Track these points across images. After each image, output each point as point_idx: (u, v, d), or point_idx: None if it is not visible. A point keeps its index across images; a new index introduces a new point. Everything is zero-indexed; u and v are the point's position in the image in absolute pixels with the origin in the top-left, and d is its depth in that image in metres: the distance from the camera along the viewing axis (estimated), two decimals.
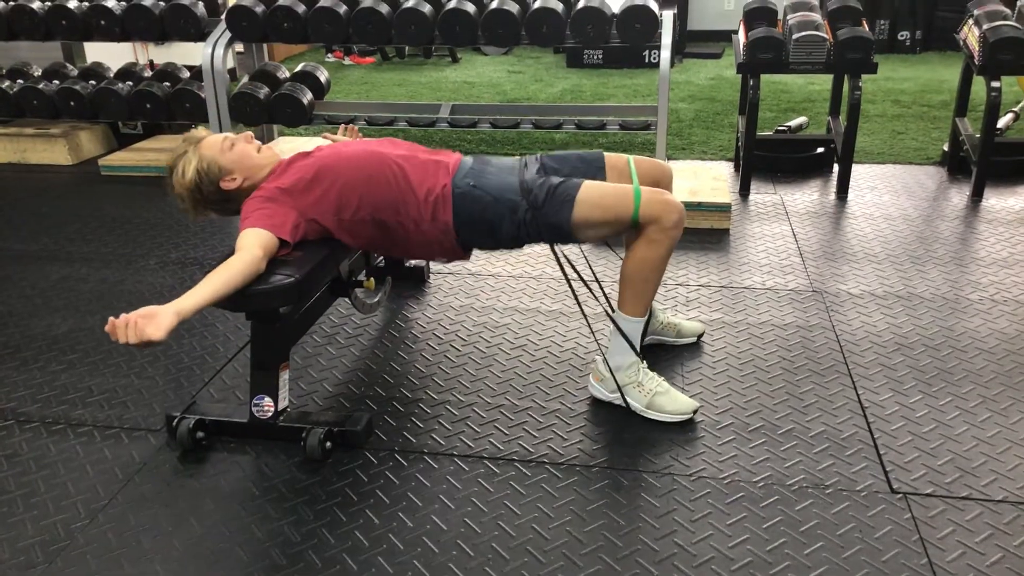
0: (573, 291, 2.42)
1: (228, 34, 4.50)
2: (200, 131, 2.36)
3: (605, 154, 2.44)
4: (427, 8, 4.29)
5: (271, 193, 2.24)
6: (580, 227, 2.21)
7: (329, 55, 8.37)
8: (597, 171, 2.39)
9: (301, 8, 4.38)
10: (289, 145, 4.90)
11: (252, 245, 2.08)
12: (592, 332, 2.51)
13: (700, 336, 2.70)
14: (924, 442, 2.17)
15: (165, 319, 1.83)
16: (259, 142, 2.38)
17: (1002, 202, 3.91)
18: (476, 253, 3.32)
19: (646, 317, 2.29)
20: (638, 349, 2.28)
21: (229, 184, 2.30)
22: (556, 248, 2.39)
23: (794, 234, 3.60)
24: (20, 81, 5.05)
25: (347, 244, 2.34)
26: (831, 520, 1.90)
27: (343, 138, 2.74)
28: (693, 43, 8.14)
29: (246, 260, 2.04)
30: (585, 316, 2.45)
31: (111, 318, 1.83)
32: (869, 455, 2.12)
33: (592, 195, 2.20)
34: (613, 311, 2.29)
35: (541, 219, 2.22)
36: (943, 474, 2.04)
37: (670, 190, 2.44)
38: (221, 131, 4.53)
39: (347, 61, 8.17)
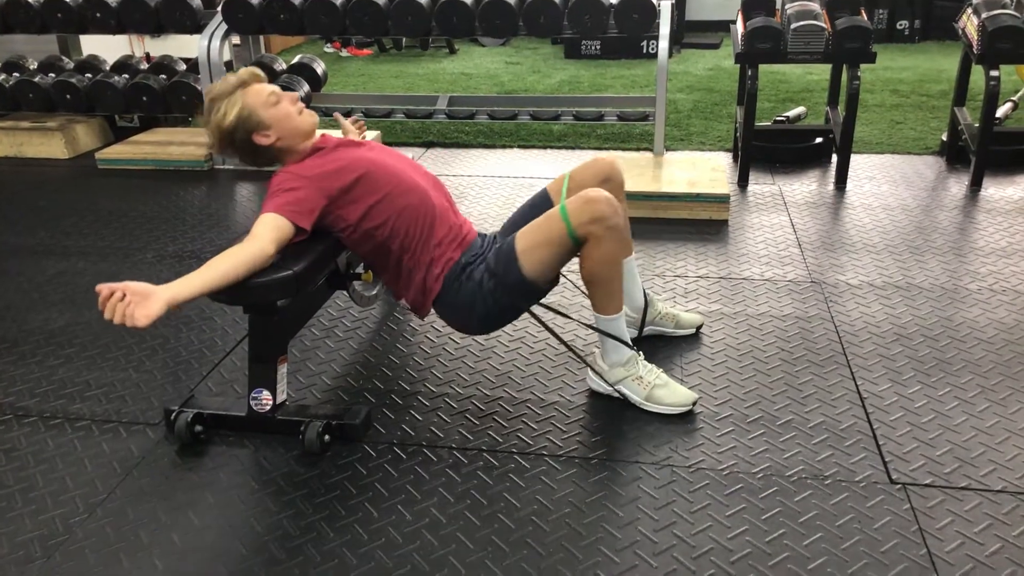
0: (561, 339, 2.41)
1: (224, 26, 4.49)
2: (247, 74, 2.27)
3: (548, 186, 2.45)
4: None
5: (311, 172, 2.20)
6: (536, 272, 2.17)
7: (328, 45, 8.34)
8: (545, 207, 2.36)
9: None
10: None
11: (265, 236, 2.05)
12: (590, 326, 2.50)
13: (699, 328, 2.70)
14: (923, 432, 2.17)
15: (155, 306, 1.82)
16: (303, 104, 2.32)
17: (1001, 192, 3.91)
18: None
19: (623, 311, 2.27)
20: (629, 342, 2.28)
21: (262, 139, 2.23)
22: (535, 314, 2.39)
23: (793, 225, 3.59)
24: (16, 74, 5.03)
25: (346, 245, 2.33)
26: (830, 511, 1.90)
27: (351, 127, 2.74)
28: (691, 33, 8.11)
29: (254, 253, 2.01)
30: (572, 350, 2.44)
31: (109, 285, 1.82)
32: (868, 446, 2.12)
33: (527, 239, 2.17)
34: (594, 322, 2.28)
35: (502, 284, 2.20)
36: (942, 464, 2.04)
37: (622, 181, 2.43)
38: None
39: (344, 53, 8.12)
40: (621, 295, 2.25)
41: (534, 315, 2.35)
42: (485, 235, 2.43)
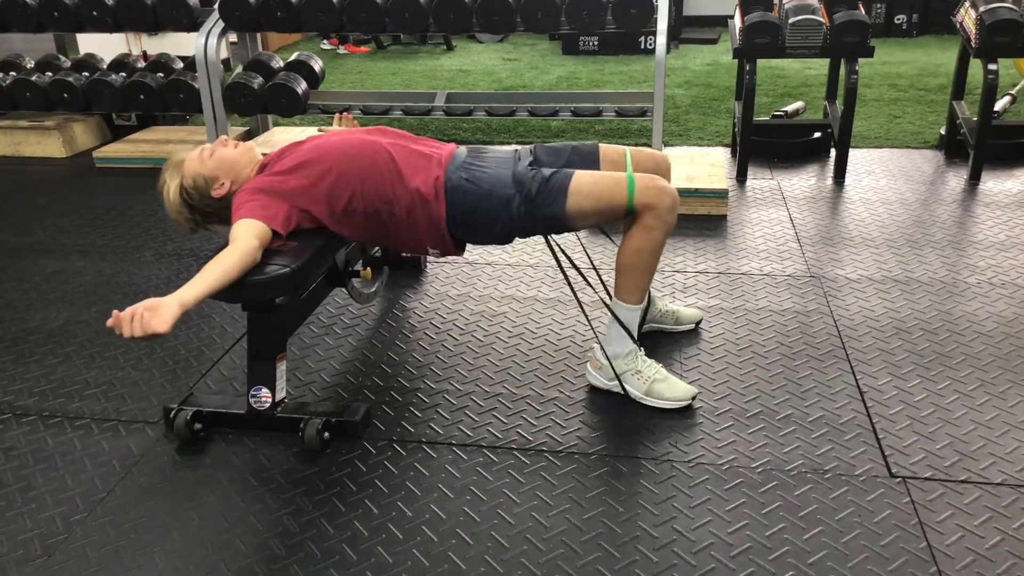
0: (569, 282, 2.41)
1: (221, 24, 4.48)
2: (178, 154, 2.35)
3: (601, 145, 2.43)
4: None
5: (261, 184, 2.24)
6: (574, 217, 2.21)
7: (325, 42, 8.32)
8: (592, 163, 2.38)
9: None
10: (283, 136, 4.88)
11: (247, 235, 2.08)
12: (588, 321, 2.50)
13: (698, 323, 2.70)
14: (922, 426, 2.17)
15: (169, 311, 1.83)
16: (235, 141, 2.36)
17: (999, 185, 3.91)
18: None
19: (643, 304, 2.28)
20: (635, 337, 2.28)
21: (219, 191, 2.29)
22: (551, 240, 2.38)
23: (791, 219, 3.59)
24: (13, 73, 5.02)
25: (341, 235, 2.33)
26: (830, 505, 1.90)
27: (338, 128, 2.72)
28: (689, 29, 8.11)
29: (242, 250, 2.03)
30: (581, 306, 2.45)
31: (115, 312, 1.82)
32: (868, 439, 2.12)
33: (585, 185, 2.19)
34: (611, 299, 2.29)
35: (535, 211, 2.21)
36: (942, 458, 2.04)
37: (669, 180, 2.43)
38: (216, 121, 4.52)
39: (341, 50, 8.10)
40: (647, 289, 2.27)
41: (549, 243, 2.35)
42: (471, 146, 2.41)
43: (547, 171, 2.24)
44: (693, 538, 1.82)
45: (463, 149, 2.37)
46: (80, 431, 2.27)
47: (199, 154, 2.31)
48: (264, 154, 2.40)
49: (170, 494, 2.01)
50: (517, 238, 2.32)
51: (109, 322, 1.83)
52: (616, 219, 2.21)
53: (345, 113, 2.80)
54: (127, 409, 2.37)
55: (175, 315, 1.83)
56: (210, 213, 2.33)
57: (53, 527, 1.91)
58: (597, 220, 2.24)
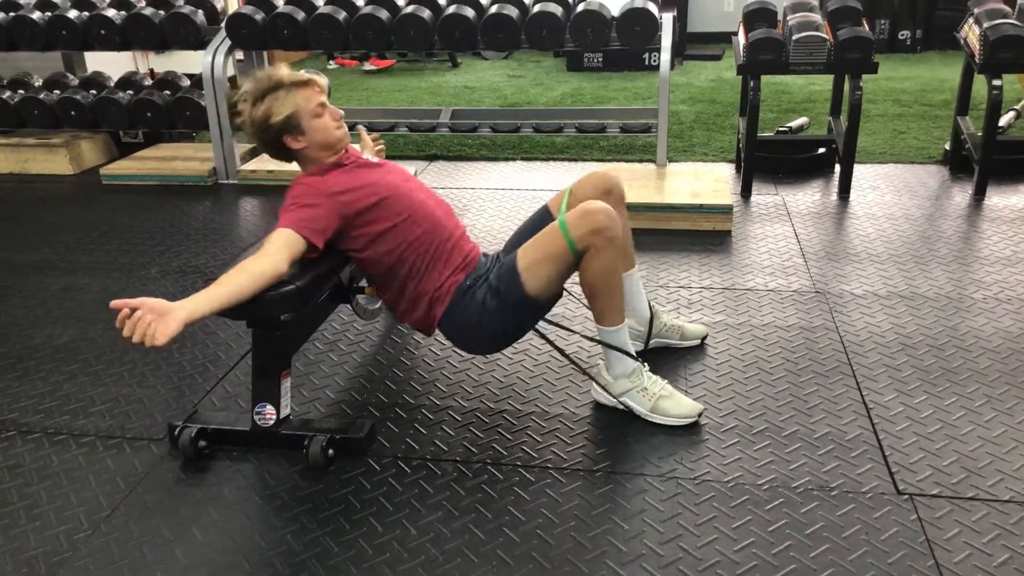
0: (564, 354, 2.42)
1: (228, 42, 4.51)
2: (308, 74, 2.28)
3: (548, 202, 2.45)
4: (426, 13, 4.29)
5: (329, 190, 2.21)
6: (541, 289, 2.18)
7: (331, 62, 8.28)
8: (546, 223, 2.34)
9: (300, 15, 4.39)
10: None
11: (279, 252, 2.06)
12: (582, 371, 2.50)
13: (704, 339, 2.69)
14: (929, 442, 2.16)
15: (172, 326, 1.83)
16: (343, 122, 2.32)
17: (1004, 200, 3.90)
18: None
19: (624, 323, 2.26)
20: (633, 353, 2.27)
21: (292, 143, 2.25)
22: (539, 330, 2.38)
23: (796, 235, 3.59)
24: (21, 91, 5.06)
25: (352, 260, 2.33)
26: (837, 522, 1.89)
27: (370, 143, 2.75)
28: (693, 45, 8.13)
29: (267, 270, 2.02)
30: (577, 365, 2.44)
31: (125, 301, 1.82)
32: (874, 456, 2.11)
33: (529, 256, 2.18)
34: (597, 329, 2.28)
35: (505, 301, 2.20)
36: (949, 475, 2.03)
37: (622, 194, 2.44)
38: (222, 138, 4.54)
39: (367, 66, 7.94)
40: (623, 306, 2.25)
41: (538, 332, 2.35)
42: (488, 254, 2.43)
43: (501, 261, 2.27)
44: (699, 556, 1.81)
45: (483, 259, 2.38)
46: (85, 448, 2.27)
47: (314, 105, 2.24)
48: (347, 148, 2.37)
49: (174, 511, 2.01)
50: (505, 344, 2.35)
51: (113, 304, 1.84)
52: (576, 264, 2.17)
53: (379, 142, 2.80)
54: (132, 426, 2.37)
55: (176, 331, 1.83)
56: (268, 140, 2.27)
57: (57, 545, 1.91)
58: (561, 276, 2.19)
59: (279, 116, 2.21)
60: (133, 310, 1.84)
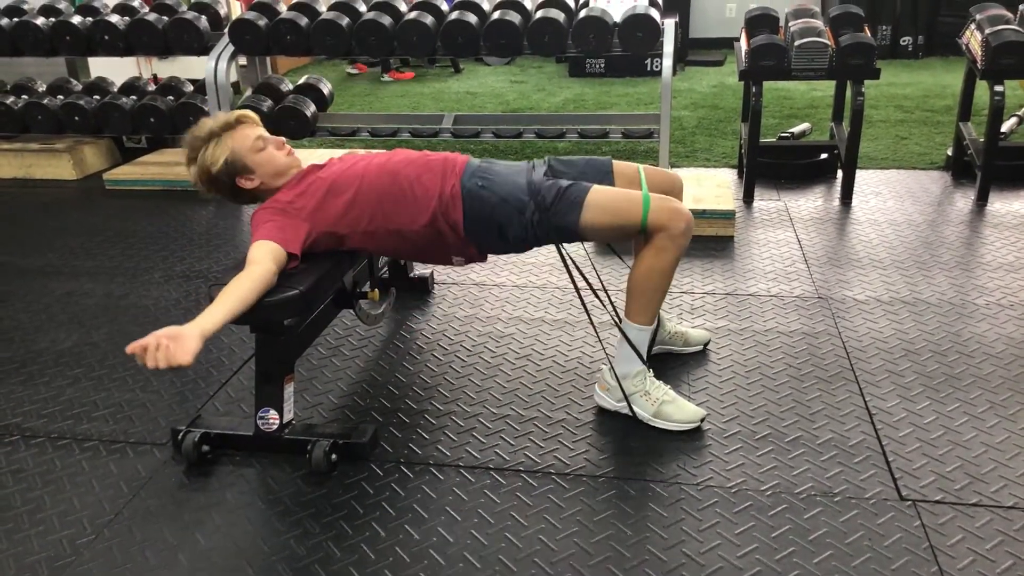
0: (581, 298, 2.42)
1: (231, 47, 4.52)
2: (237, 116, 2.31)
3: (614, 161, 2.44)
4: (429, 19, 4.30)
5: (283, 205, 2.25)
6: (588, 230, 2.22)
7: (385, 75, 7.97)
8: (605, 176, 2.39)
9: (303, 21, 4.40)
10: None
11: (264, 259, 2.08)
12: (600, 340, 2.50)
13: (706, 344, 2.70)
14: (932, 448, 2.16)
15: (192, 342, 1.83)
16: (289, 147, 2.36)
17: (1007, 206, 3.90)
18: (479, 265, 3.32)
19: (654, 326, 2.28)
20: (645, 358, 2.28)
21: (245, 183, 2.30)
22: (564, 253, 2.37)
23: (799, 240, 3.59)
24: (25, 97, 5.07)
25: (367, 249, 2.35)
26: (840, 528, 1.89)
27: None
28: (695, 51, 8.14)
29: (260, 274, 2.04)
30: (592, 323, 2.45)
31: (136, 343, 1.82)
32: (877, 462, 2.11)
33: (601, 199, 2.20)
34: (620, 320, 2.29)
35: (549, 220, 2.22)
36: (952, 481, 2.03)
37: (681, 200, 2.44)
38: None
39: (385, 78, 7.85)
40: (658, 310, 2.28)
41: (561, 253, 2.34)
42: (474, 159, 2.40)
43: (564, 182, 2.26)
44: (702, 562, 1.81)
45: (476, 160, 2.38)
46: (88, 453, 2.27)
47: (252, 140, 2.28)
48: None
49: (177, 516, 2.01)
50: (532, 246, 2.33)
51: (129, 349, 1.83)
52: (628, 237, 2.22)
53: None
54: (135, 431, 2.37)
55: (198, 347, 1.84)
56: (223, 187, 2.31)
57: (60, 550, 1.91)
58: (610, 236, 2.25)
59: (218, 162, 2.27)
60: (145, 348, 1.83)
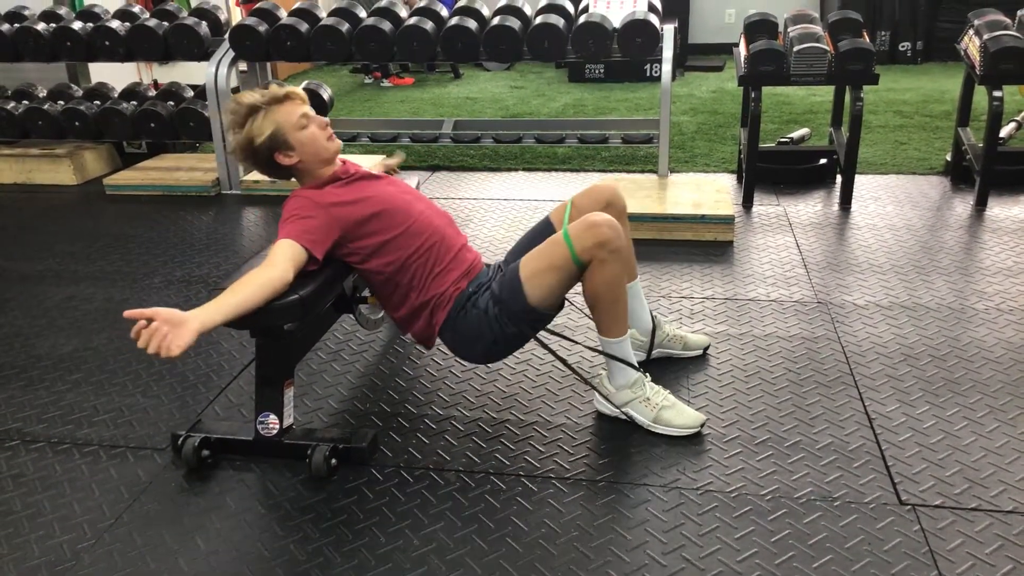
0: (567, 365, 2.43)
1: (231, 53, 4.53)
2: (283, 91, 2.28)
3: (550, 215, 2.46)
4: (429, 25, 4.31)
5: (328, 200, 2.22)
6: (541, 299, 2.19)
7: (369, 77, 8.13)
8: (548, 234, 2.37)
9: (304, 27, 4.41)
10: None
11: (284, 262, 2.07)
12: (585, 380, 2.50)
13: (706, 349, 2.70)
14: (932, 453, 2.16)
15: (186, 336, 1.84)
16: (331, 131, 2.34)
17: (1006, 211, 3.91)
18: None
19: (627, 334, 2.26)
20: (635, 364, 2.28)
21: (283, 159, 2.26)
22: (542, 341, 2.37)
23: (798, 245, 3.60)
24: (25, 102, 5.08)
25: (355, 269, 2.35)
26: (840, 533, 1.89)
27: (391, 162, 2.78)
28: (694, 56, 8.16)
29: (274, 279, 2.03)
30: (579, 375, 2.45)
31: (137, 311, 1.84)
32: (877, 467, 2.11)
33: (531, 266, 2.19)
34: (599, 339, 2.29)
35: (507, 311, 2.21)
36: (952, 485, 2.03)
37: (623, 206, 2.45)
38: (225, 149, 4.56)
39: (385, 83, 7.92)
40: (626, 317, 2.25)
41: (540, 342, 2.35)
42: (490, 265, 2.44)
43: (504, 270, 2.28)
44: (702, 566, 1.81)
45: (485, 269, 2.39)
46: (88, 458, 2.27)
47: (297, 117, 2.25)
48: (343, 162, 2.38)
49: (177, 521, 2.01)
50: (508, 351, 2.34)
51: (128, 313, 1.85)
52: (579, 276, 2.18)
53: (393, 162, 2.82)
54: (135, 436, 2.37)
55: (191, 342, 1.84)
56: (260, 160, 2.29)
57: (61, 554, 1.91)
58: (564, 286, 2.20)
59: (262, 135, 2.22)
60: (149, 320, 1.84)
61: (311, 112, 2.30)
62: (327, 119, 2.34)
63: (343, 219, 2.22)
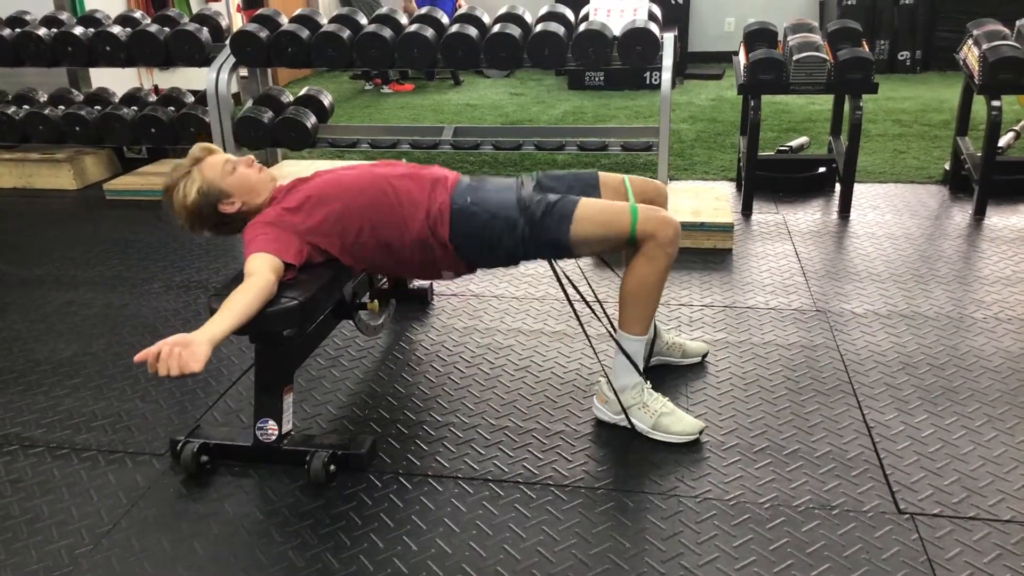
0: (575, 311, 2.43)
1: (232, 59, 4.54)
2: (199, 149, 2.35)
3: (600, 173, 2.46)
4: (429, 32, 4.33)
5: (272, 217, 2.26)
6: (578, 243, 2.23)
7: (368, 83, 8.12)
8: (591, 189, 2.41)
9: (305, 33, 4.42)
10: (293, 169, 4.92)
11: (262, 269, 2.09)
12: (595, 353, 2.51)
13: (704, 356, 2.70)
14: (930, 462, 2.16)
15: (202, 349, 1.85)
16: (260, 164, 2.39)
17: (1004, 220, 3.92)
18: (479, 274, 3.33)
19: (648, 336, 2.29)
20: (641, 369, 2.28)
21: (228, 208, 2.31)
22: (556, 267, 2.40)
23: (797, 254, 3.60)
24: (26, 107, 5.09)
25: (353, 268, 2.35)
26: (838, 541, 1.89)
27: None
28: (694, 64, 8.18)
29: (260, 284, 2.04)
30: (587, 336, 2.46)
31: (145, 351, 1.83)
32: (875, 475, 2.11)
33: (589, 211, 2.22)
34: (615, 331, 2.29)
35: (539, 235, 2.23)
36: (950, 494, 2.03)
37: (666, 208, 2.46)
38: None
39: (385, 89, 7.93)
40: (651, 320, 2.28)
41: (553, 267, 2.36)
42: (467, 176, 2.42)
43: (552, 196, 2.27)
44: (701, 574, 1.81)
45: (466, 177, 2.40)
46: (87, 463, 2.27)
47: (222, 166, 2.30)
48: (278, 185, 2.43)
49: (175, 527, 2.01)
50: (522, 261, 2.35)
51: (138, 357, 1.83)
52: (618, 248, 2.24)
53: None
54: (134, 441, 2.37)
55: (207, 354, 1.85)
56: (210, 222, 2.33)
57: (59, 560, 1.91)
58: (600, 247, 2.26)
59: (192, 195, 2.28)
60: (158, 354, 1.84)
61: (231, 156, 2.35)
62: (251, 156, 2.40)
63: (288, 221, 2.24)
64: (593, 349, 2.49)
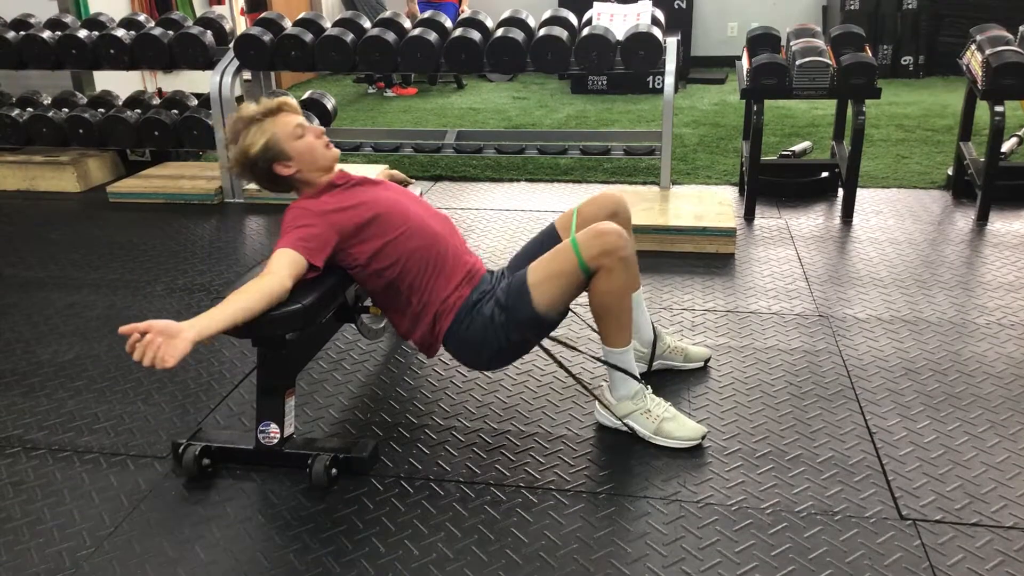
0: (568, 372, 2.42)
1: (236, 62, 4.55)
2: (279, 103, 2.30)
3: (555, 221, 2.46)
4: (433, 36, 4.33)
5: (322, 209, 2.23)
6: (548, 306, 2.19)
7: (371, 87, 8.11)
8: (552, 240, 2.38)
9: (308, 37, 4.43)
10: None
11: (282, 271, 2.08)
12: (590, 392, 2.50)
13: (707, 361, 2.70)
14: (933, 468, 2.16)
15: (181, 346, 1.84)
16: (327, 139, 2.35)
17: (1007, 226, 3.91)
18: None
19: (631, 344, 2.27)
20: (637, 375, 2.28)
21: (282, 170, 2.28)
22: (546, 348, 2.36)
23: (799, 258, 3.60)
24: (30, 109, 5.10)
25: (358, 281, 2.35)
26: (840, 547, 1.89)
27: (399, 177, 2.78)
28: (697, 69, 8.19)
29: (271, 288, 2.03)
30: (581, 383, 2.45)
31: (131, 325, 1.84)
32: (878, 481, 2.11)
33: (539, 274, 2.20)
34: (602, 350, 2.28)
35: (513, 319, 2.21)
36: (952, 500, 2.03)
37: (628, 216, 2.45)
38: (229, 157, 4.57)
39: (389, 93, 7.91)
40: (630, 328, 2.26)
41: (544, 348, 2.35)
42: (493, 271, 2.44)
43: (509, 278, 2.28)
44: None
45: (487, 276, 2.39)
46: (89, 465, 2.27)
47: (293, 127, 2.27)
48: (340, 170, 2.39)
49: (177, 529, 2.01)
50: (512, 358, 2.34)
51: (122, 329, 1.85)
52: (586, 284, 2.18)
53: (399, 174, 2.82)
54: (136, 443, 2.37)
55: (185, 351, 1.84)
56: (259, 174, 2.30)
57: (60, 562, 1.91)
58: (572, 295, 2.20)
59: (256, 146, 2.24)
60: (143, 334, 1.84)
61: (306, 122, 2.32)
62: (323, 128, 2.35)
63: (340, 225, 2.22)
64: (596, 359, 2.48)
